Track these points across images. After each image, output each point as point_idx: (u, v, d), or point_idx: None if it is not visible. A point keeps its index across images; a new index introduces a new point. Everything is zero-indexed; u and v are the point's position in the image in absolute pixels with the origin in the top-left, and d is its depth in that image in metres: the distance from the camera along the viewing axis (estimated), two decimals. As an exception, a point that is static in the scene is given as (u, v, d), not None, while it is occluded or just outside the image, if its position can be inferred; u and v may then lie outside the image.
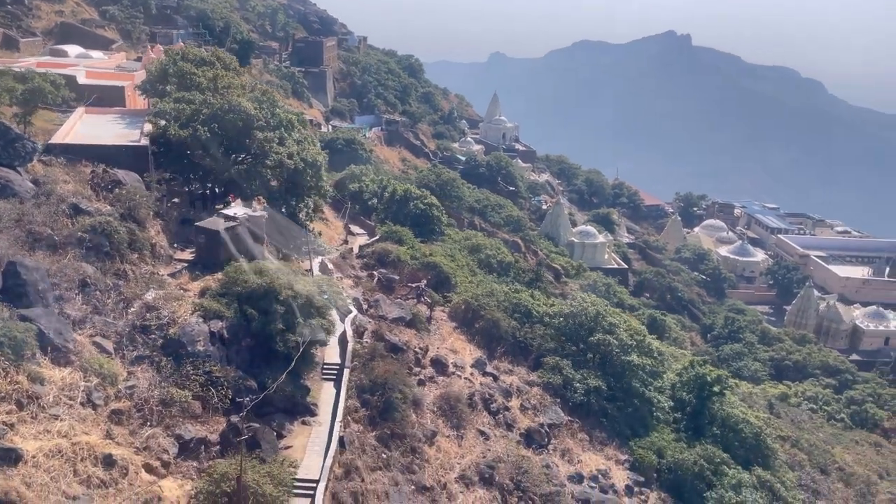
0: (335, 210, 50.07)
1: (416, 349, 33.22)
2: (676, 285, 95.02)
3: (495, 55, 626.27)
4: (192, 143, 29.98)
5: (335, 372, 27.59)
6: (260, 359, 24.38)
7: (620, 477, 34.23)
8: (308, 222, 35.72)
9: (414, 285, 39.93)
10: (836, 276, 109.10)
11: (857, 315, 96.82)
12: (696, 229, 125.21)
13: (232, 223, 27.67)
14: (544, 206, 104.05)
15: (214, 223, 27.58)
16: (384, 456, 25.06)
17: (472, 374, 34.55)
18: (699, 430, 40.15)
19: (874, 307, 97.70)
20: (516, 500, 27.92)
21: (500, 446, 30.45)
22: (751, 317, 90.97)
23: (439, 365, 33.51)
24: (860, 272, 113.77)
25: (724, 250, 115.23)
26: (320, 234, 38.08)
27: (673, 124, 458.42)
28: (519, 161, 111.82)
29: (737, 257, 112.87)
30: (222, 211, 28.88)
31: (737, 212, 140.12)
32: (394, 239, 43.53)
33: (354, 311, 31.10)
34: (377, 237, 43.85)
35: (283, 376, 22.99)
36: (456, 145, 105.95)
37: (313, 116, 79.79)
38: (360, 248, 42.44)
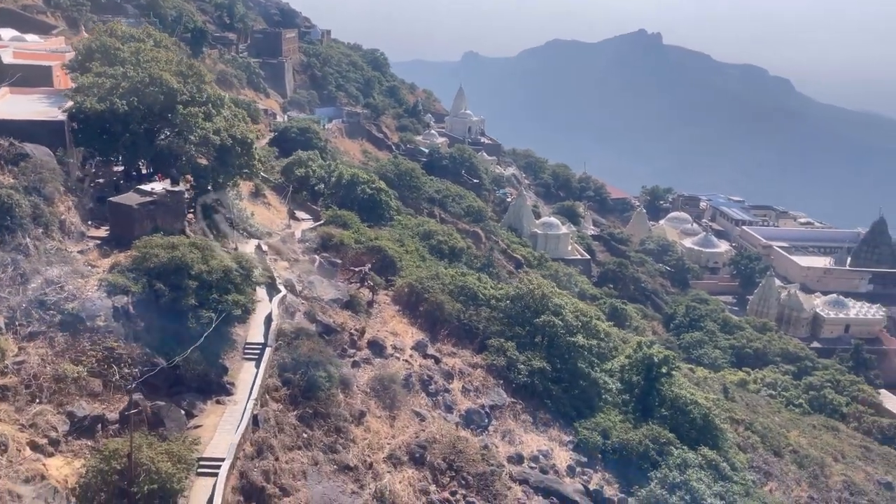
0: (283, 196, 48.92)
1: (352, 331, 32.28)
2: (640, 276, 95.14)
3: (469, 54, 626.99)
4: (111, 118, 28.70)
5: (258, 351, 26.55)
6: (171, 336, 23.27)
7: (563, 457, 33.61)
8: (238, 201, 34.60)
9: (357, 269, 38.97)
10: (797, 266, 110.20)
11: (818, 303, 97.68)
12: (662, 222, 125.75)
13: (147, 199, 26.48)
14: (509, 199, 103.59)
15: (129, 199, 26.38)
16: (304, 435, 24.09)
17: (411, 356, 33.68)
18: (648, 411, 39.70)
19: (834, 295, 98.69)
20: (448, 479, 27.10)
21: (436, 427, 29.60)
22: (713, 306, 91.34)
23: (376, 347, 32.59)
24: (822, 262, 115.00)
25: (688, 242, 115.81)
26: (253, 214, 36.98)
27: (644, 122, 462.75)
28: (484, 154, 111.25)
29: (701, 248, 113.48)
30: (139, 187, 27.67)
31: (702, 205, 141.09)
32: (338, 223, 42.52)
33: (284, 291, 30.06)
34: (322, 221, 42.83)
35: (189, 352, 21.89)
36: (419, 138, 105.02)
37: (269, 107, 78.34)
38: (303, 232, 41.37)
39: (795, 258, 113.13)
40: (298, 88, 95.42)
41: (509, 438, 32.97)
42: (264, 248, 35.31)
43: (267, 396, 24.18)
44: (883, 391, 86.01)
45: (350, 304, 33.87)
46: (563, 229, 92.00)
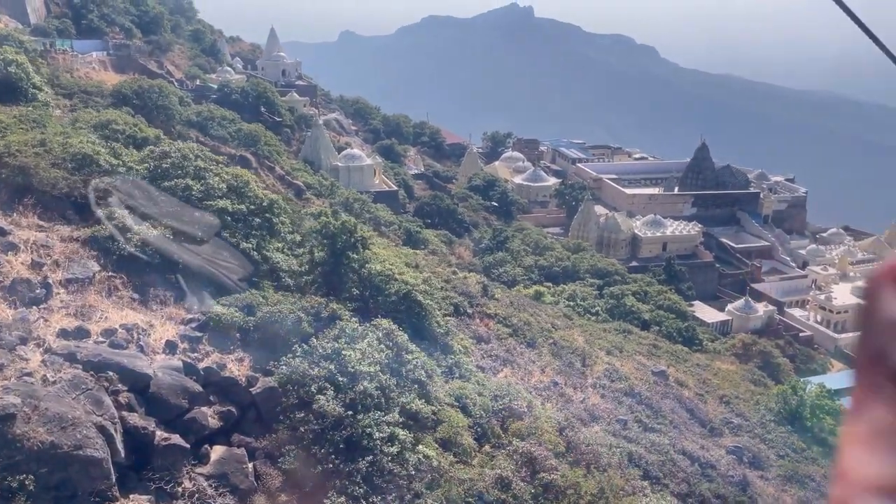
0: None
1: None
2: (456, 208, 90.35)
3: (345, 34, 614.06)
4: None
5: None
6: None
7: (168, 334, 26.33)
8: None
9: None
10: (623, 195, 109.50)
11: (637, 225, 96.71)
12: (496, 162, 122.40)
13: None
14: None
15: None
16: None
17: (-61, 218, 25.28)
18: (336, 290, 33.29)
19: (652, 216, 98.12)
20: None
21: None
22: (534, 232, 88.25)
23: None
24: (654, 191, 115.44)
25: (518, 178, 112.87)
26: None
27: (521, 93, 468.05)
28: (294, 94, 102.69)
29: (530, 183, 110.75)
30: None
31: (542, 147, 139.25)
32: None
33: None
34: None
35: None
36: (213, 76, 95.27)
37: (-12, 26, 66.47)
38: None
39: (625, 189, 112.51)
40: (51, 18, 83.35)
41: (82, 314, 25.31)
42: None
43: None
44: (696, 302, 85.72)
45: None
46: (368, 161, 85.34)
